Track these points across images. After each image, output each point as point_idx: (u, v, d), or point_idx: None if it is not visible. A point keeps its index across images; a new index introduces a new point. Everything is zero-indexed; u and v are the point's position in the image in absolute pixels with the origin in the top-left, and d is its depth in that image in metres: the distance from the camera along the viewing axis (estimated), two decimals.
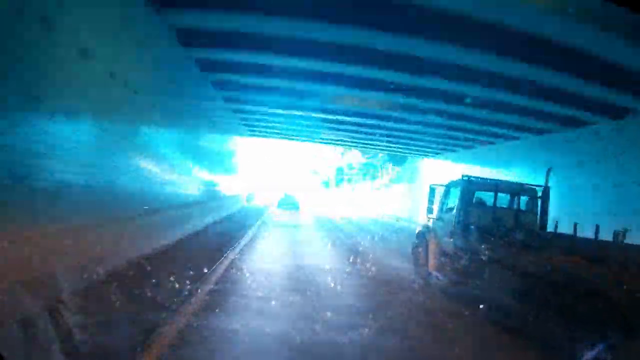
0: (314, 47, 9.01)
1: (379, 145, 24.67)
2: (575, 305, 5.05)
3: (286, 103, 15.13)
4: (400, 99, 12.52)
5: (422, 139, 19.21)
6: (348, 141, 25.07)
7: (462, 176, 8.12)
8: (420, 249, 8.94)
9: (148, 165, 8.81)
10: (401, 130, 17.50)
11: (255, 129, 22.93)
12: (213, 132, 16.39)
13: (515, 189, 8.27)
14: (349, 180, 54.01)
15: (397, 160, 32.93)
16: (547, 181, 7.93)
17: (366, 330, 5.19)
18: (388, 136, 19.50)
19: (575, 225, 6.84)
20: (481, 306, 6.29)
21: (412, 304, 6.71)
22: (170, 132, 10.69)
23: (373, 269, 9.12)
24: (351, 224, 23.23)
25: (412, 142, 20.27)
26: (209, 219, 15.01)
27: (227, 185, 20.70)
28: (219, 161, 18.49)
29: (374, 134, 19.31)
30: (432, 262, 8.27)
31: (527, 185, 8.31)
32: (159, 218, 9.39)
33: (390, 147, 23.91)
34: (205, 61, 10.91)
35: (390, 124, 16.39)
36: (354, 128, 18.60)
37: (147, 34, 8.14)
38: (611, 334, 4.26)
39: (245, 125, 21.62)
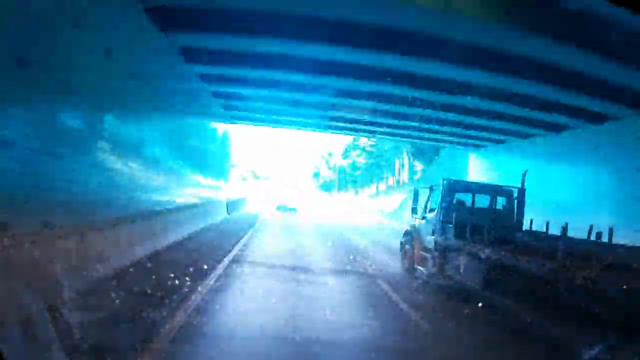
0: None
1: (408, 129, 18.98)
2: (534, 289, 5.71)
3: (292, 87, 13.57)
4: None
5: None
6: (368, 125, 19.58)
7: (443, 179, 8.83)
8: (407, 246, 9.67)
9: None
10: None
11: (247, 114, 19.95)
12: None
13: (493, 191, 8.94)
14: (353, 183, 53.41)
15: (424, 155, 29.47)
16: (523, 183, 8.55)
17: None
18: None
19: (547, 223, 7.52)
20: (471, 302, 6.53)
21: None
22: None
23: None
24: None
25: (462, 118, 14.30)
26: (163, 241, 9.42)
27: (207, 190, 18.67)
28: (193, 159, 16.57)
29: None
30: (416, 257, 9.00)
31: (504, 187, 8.96)
32: None
33: (422, 133, 19.09)
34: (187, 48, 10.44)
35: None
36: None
37: (110, 13, 7.59)
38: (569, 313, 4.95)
39: (232, 111, 18.80)
